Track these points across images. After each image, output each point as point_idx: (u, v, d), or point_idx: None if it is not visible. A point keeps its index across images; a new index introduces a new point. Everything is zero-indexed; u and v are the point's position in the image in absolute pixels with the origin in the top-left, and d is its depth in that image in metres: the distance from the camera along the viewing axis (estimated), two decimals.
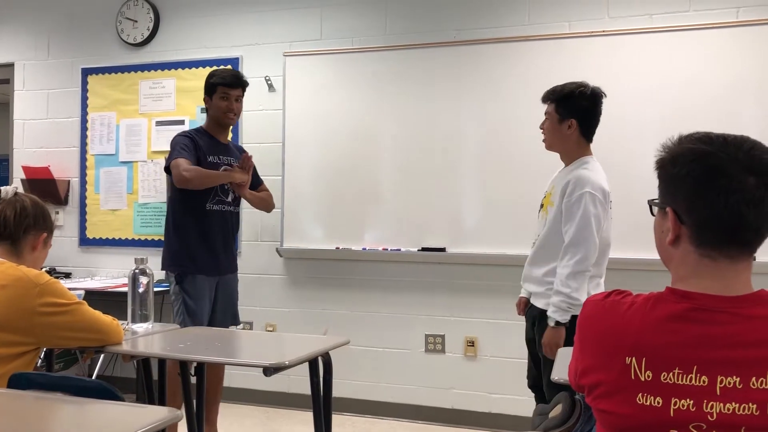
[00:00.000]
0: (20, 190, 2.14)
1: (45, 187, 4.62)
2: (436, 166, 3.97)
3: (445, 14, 4.02)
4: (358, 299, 4.17)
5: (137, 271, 2.45)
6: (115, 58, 4.68)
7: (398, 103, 4.03)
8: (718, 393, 1.07)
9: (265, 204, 3.57)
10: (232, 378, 4.26)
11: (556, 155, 2.73)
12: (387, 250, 4.03)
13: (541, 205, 2.75)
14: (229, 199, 3.36)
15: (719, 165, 1.11)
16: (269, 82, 4.31)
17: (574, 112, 2.59)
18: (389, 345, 4.11)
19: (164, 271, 3.37)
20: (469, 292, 3.97)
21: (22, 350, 1.91)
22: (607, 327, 1.19)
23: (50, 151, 4.83)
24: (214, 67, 4.39)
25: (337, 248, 4.11)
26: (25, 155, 4.87)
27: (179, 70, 4.51)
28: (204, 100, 3.40)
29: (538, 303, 2.63)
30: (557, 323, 2.49)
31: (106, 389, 1.66)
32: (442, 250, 3.93)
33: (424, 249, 3.97)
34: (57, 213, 4.75)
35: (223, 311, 3.39)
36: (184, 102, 4.51)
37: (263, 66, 4.34)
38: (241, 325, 4.30)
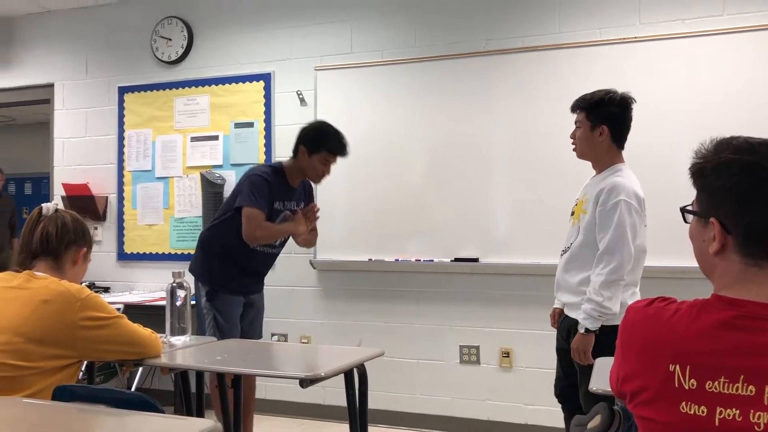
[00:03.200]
0: (60, 206, 2.20)
1: (84, 203, 4.73)
2: (468, 177, 3.96)
3: (474, 24, 4.02)
4: (391, 311, 4.17)
5: (174, 284, 2.49)
6: (150, 76, 4.79)
7: (429, 113, 4.04)
8: (766, 402, 1.05)
9: (310, 245, 3.56)
10: (267, 390, 4.28)
11: (588, 163, 2.71)
12: (420, 261, 4.03)
13: (572, 213, 2.73)
14: (277, 243, 3.35)
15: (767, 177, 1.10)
16: (301, 97, 4.36)
17: (605, 118, 2.58)
18: (424, 356, 4.10)
19: (194, 280, 3.39)
20: (504, 302, 3.94)
21: (65, 363, 1.95)
22: (651, 334, 1.18)
23: (89, 168, 4.94)
24: (248, 83, 4.47)
25: (370, 260, 4.13)
26: (64, 173, 4.99)
27: (213, 86, 4.59)
28: (300, 148, 3.22)
29: (573, 314, 2.60)
30: (587, 330, 2.47)
31: (146, 401, 1.69)
32: (475, 260, 3.92)
33: (457, 259, 3.95)
34: (95, 228, 4.85)
35: (251, 326, 3.41)
36: (217, 118, 4.58)
37: (295, 80, 4.39)
38: (276, 337, 4.34)
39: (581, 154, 2.69)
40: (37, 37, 5.16)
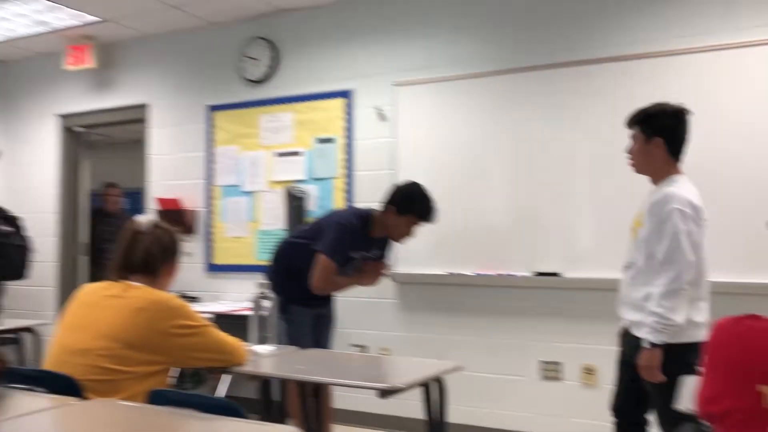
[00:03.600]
0: (150, 220, 2.29)
1: (175, 217, 4.96)
2: (550, 189, 3.91)
3: (556, 35, 3.98)
4: (471, 324, 4.15)
5: (260, 295, 2.58)
6: (237, 94, 4.98)
7: (509, 126, 4.02)
8: None
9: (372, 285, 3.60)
10: (346, 400, 4.34)
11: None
12: (500, 275, 4.00)
13: (632, 228, 2.69)
14: (347, 270, 3.41)
15: None
16: (381, 112, 4.43)
17: (660, 130, 2.58)
18: (504, 371, 4.05)
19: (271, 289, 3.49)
20: (587, 317, 3.85)
21: (157, 369, 2.06)
22: (738, 353, 1.14)
23: (180, 184, 5.18)
24: (329, 100, 4.58)
25: (450, 273, 4.13)
26: (158, 188, 5.25)
27: (296, 104, 4.73)
28: (389, 207, 3.28)
29: (639, 332, 2.50)
30: (652, 345, 2.40)
31: (233, 407, 1.76)
32: (557, 275, 3.85)
33: (538, 274, 3.90)
34: (186, 241, 5.07)
35: (322, 338, 3.48)
36: (301, 134, 4.72)
37: (375, 96, 4.46)
38: (356, 348, 4.39)
39: (639, 168, 2.67)
40: (134, 60, 5.47)
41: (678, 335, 2.39)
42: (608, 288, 3.73)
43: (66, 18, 4.96)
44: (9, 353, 3.79)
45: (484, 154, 4.08)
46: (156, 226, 2.25)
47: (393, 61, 4.44)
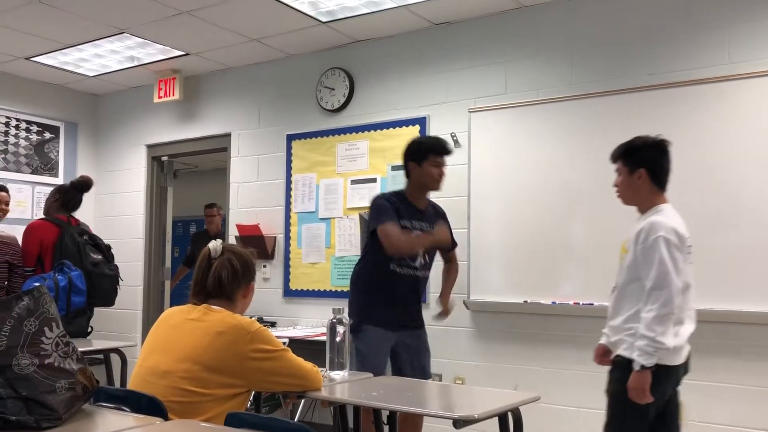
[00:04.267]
0: (221, 244, 2.33)
1: (255, 242, 5.09)
2: (630, 215, 3.79)
3: (634, 59, 3.89)
4: (549, 355, 4.04)
5: (335, 320, 2.60)
6: (315, 123, 5.10)
7: (586, 152, 3.94)
8: None
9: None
10: (424, 429, 4.29)
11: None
12: (579, 304, 3.89)
13: (620, 254, 2.79)
14: (417, 264, 3.38)
15: None
16: (455, 138, 4.43)
17: (642, 162, 2.72)
18: (585, 404, 3.92)
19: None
20: None
21: (236, 392, 2.10)
22: None
23: (260, 210, 5.32)
24: (404, 128, 4.63)
25: (525, 302, 4.05)
26: (239, 214, 5.41)
27: (371, 131, 4.80)
28: (408, 165, 3.36)
29: (617, 350, 2.67)
30: (643, 367, 2.49)
31: (308, 431, 1.77)
32: None
33: None
34: (264, 267, 5.19)
35: (410, 366, 3.42)
36: (376, 161, 4.77)
37: (449, 123, 4.48)
38: (432, 377, 4.35)
39: (625, 199, 2.81)
40: (217, 91, 5.70)
41: (663, 357, 2.51)
42: (731, 320, 3.58)
43: (154, 53, 5.23)
44: (97, 373, 3.96)
45: (561, 180, 4.01)
46: (227, 249, 2.28)
47: (468, 87, 4.44)
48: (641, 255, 2.59)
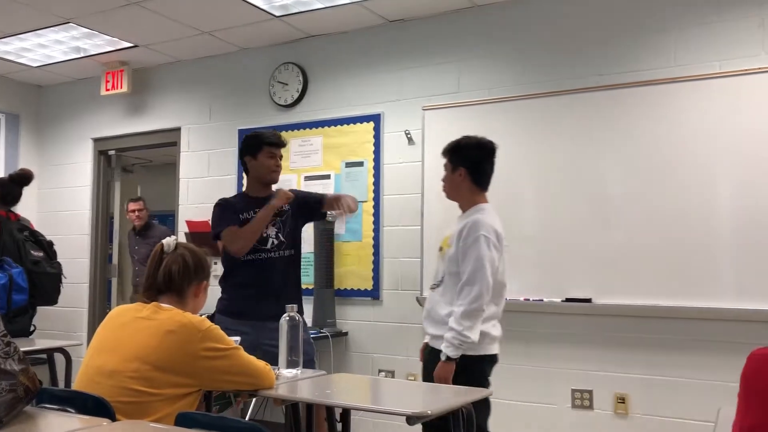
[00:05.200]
0: (178, 240, 2.31)
1: (205, 239, 5.00)
2: (579, 214, 3.87)
3: (584, 61, 3.97)
4: (501, 351, 4.08)
5: (288, 318, 2.58)
6: (268, 119, 5.04)
7: (538, 151, 4.01)
8: None
9: (350, 209, 3.34)
10: (375, 427, 4.30)
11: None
12: (528, 300, 3.95)
13: (440, 248, 2.90)
14: (268, 246, 3.31)
15: None
16: (409, 136, 4.45)
17: (463, 161, 2.83)
18: (533, 399, 3.99)
19: None
20: (619, 345, 3.78)
21: (186, 391, 2.06)
22: None
23: (210, 206, 5.21)
24: (358, 124, 4.62)
25: None
26: (189, 210, 5.31)
27: (325, 128, 4.77)
28: (245, 160, 3.38)
29: (436, 344, 2.75)
30: (448, 358, 2.64)
31: (260, 431, 1.75)
32: (588, 300, 3.79)
33: (568, 300, 3.85)
34: (215, 264, 5.10)
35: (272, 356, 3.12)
36: (330, 158, 4.75)
37: (403, 120, 4.49)
38: (383, 373, 4.36)
39: (448, 195, 2.92)
40: (167, 84, 5.58)
41: (474, 348, 2.67)
42: (641, 315, 3.69)
43: (101, 44, 5.09)
44: (41, 374, 3.84)
45: (513, 179, 4.06)
46: (181, 246, 2.25)
47: (422, 85, 4.46)
48: (462, 252, 2.70)
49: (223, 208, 3.36)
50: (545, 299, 3.91)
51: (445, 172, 2.90)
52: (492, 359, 2.81)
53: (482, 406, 2.65)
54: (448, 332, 2.66)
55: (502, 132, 4.11)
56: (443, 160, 2.91)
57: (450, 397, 2.34)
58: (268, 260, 3.31)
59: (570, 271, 3.86)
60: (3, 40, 4.99)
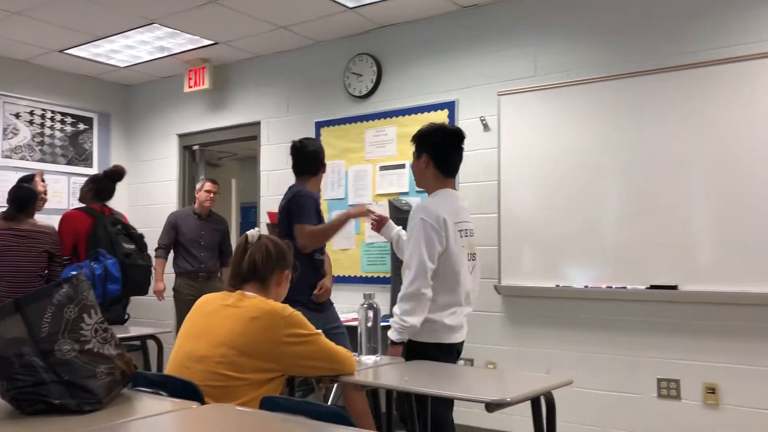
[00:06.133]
0: (263, 232, 2.42)
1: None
2: (665, 198, 3.74)
3: (665, 39, 3.82)
4: (581, 339, 4.02)
5: (366, 305, 2.62)
6: (343, 110, 5.11)
7: (619, 134, 3.89)
8: None
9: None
10: (455, 414, 4.30)
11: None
12: (611, 288, 3.86)
13: None
14: (324, 248, 3.69)
15: None
16: (484, 122, 4.40)
17: (427, 147, 2.82)
18: (617, 388, 3.89)
19: None
20: (707, 333, 3.64)
21: (270, 376, 2.13)
22: None
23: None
24: (432, 112, 4.61)
25: (557, 286, 4.02)
26: (269, 202, 5.45)
27: (399, 117, 4.79)
28: (320, 169, 3.73)
29: None
30: (392, 342, 2.66)
31: (341, 416, 1.79)
32: (674, 287, 3.67)
33: (652, 287, 3.73)
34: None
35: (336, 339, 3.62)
36: (404, 147, 4.75)
37: (478, 107, 4.45)
38: (462, 361, 4.36)
39: (416, 182, 2.94)
40: (246, 80, 5.73)
41: (420, 335, 2.66)
42: (729, 302, 3.54)
43: (183, 43, 5.28)
44: (135, 359, 4.05)
45: (593, 163, 3.96)
46: (263, 237, 2.34)
47: (497, 70, 4.40)
48: (407, 235, 2.77)
49: (313, 202, 3.53)
50: (628, 287, 3.80)
51: (413, 160, 2.91)
52: (445, 348, 2.75)
53: (443, 399, 2.63)
54: (393, 317, 2.71)
55: (581, 115, 4.03)
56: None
57: (530, 384, 2.32)
58: (320, 261, 3.60)
59: (654, 258, 3.74)
60: (93, 43, 5.25)
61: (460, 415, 4.29)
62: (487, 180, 4.35)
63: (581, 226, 3.97)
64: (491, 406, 2.02)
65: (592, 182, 3.96)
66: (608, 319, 3.92)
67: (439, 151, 2.82)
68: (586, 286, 3.93)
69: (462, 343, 2.84)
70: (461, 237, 2.76)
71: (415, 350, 2.70)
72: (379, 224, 3.21)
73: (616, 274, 3.84)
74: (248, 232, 2.36)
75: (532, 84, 4.22)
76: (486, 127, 4.40)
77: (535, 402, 2.23)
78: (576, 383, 2.55)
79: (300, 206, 3.48)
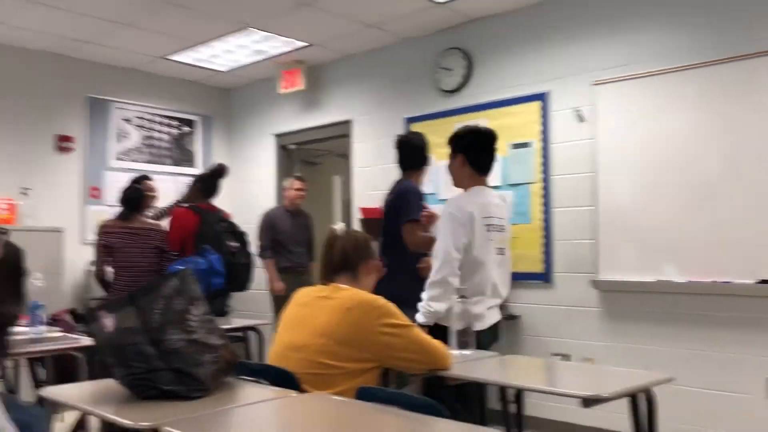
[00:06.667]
0: (343, 227, 2.52)
1: (377, 225, 5.19)
2: (766, 190, 3.53)
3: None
4: (682, 335, 3.86)
5: (459, 300, 2.63)
6: (433, 105, 5.12)
7: (722, 121, 3.70)
8: None
9: None
10: (551, 410, 4.25)
11: None
12: (715, 282, 3.68)
13: None
14: None
15: None
16: (579, 113, 4.30)
17: (463, 148, 2.98)
18: (722, 387, 3.72)
19: None
20: None
21: (366, 366, 2.19)
22: None
23: (381, 194, 5.42)
24: (524, 104, 4.55)
25: (658, 280, 3.88)
26: (360, 198, 5.55)
27: (490, 110, 4.75)
28: (419, 162, 3.79)
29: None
30: (420, 325, 2.68)
31: (435, 407, 1.82)
32: None
33: (763, 281, 3.53)
34: None
35: None
36: None
37: (571, 98, 4.35)
38: (558, 357, 4.29)
39: (454, 181, 3.06)
40: (338, 79, 5.85)
41: (446, 320, 2.73)
42: None
43: (278, 45, 5.45)
44: (237, 349, 4.23)
45: (694, 152, 3.79)
46: (348, 230, 2.44)
47: (591, 59, 4.29)
48: (439, 227, 2.95)
49: (419, 197, 3.60)
50: (734, 281, 3.62)
51: (449, 161, 3.06)
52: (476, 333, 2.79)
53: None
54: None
55: (681, 103, 3.87)
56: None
57: (628, 380, 2.27)
58: (419, 258, 3.52)
59: (763, 251, 3.54)
60: (194, 48, 5.51)
61: (556, 410, 4.24)
62: (581, 172, 4.25)
63: (682, 218, 3.81)
64: (588, 402, 2.00)
65: (694, 172, 3.79)
66: (712, 315, 3.75)
67: (474, 151, 2.98)
68: (689, 281, 3.77)
69: (484, 332, 2.87)
70: (488, 231, 2.88)
71: (440, 334, 2.70)
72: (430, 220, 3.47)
73: (721, 267, 3.67)
74: (335, 227, 2.45)
75: (629, 72, 4.08)
76: (580, 118, 4.30)
77: (633, 399, 2.18)
78: (677, 381, 2.47)
79: (407, 203, 3.54)
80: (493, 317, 2.94)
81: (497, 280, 2.94)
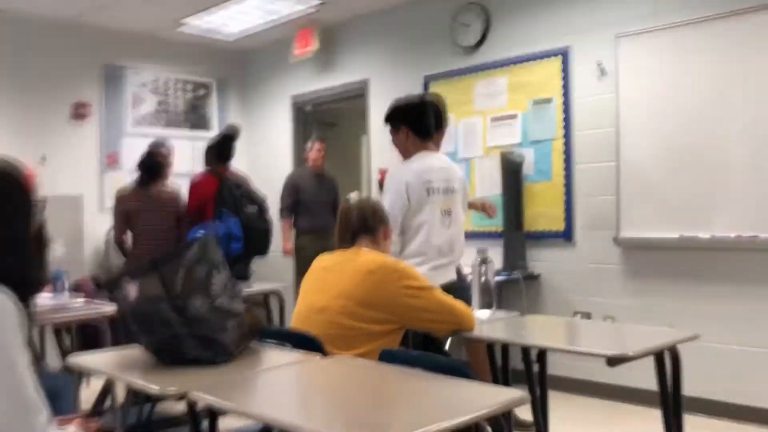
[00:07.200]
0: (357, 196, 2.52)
1: None
2: None
3: None
4: (707, 292, 3.82)
5: (480, 260, 2.61)
6: (451, 63, 5.03)
7: (749, 75, 3.60)
8: None
9: None
10: (573, 369, 4.26)
11: None
12: (741, 237, 3.63)
13: None
14: None
15: None
16: (601, 67, 4.20)
17: (404, 120, 3.07)
18: (749, 343, 3.69)
19: None
20: None
21: (389, 328, 2.20)
22: None
23: (396, 155, 5.37)
24: (545, 60, 4.45)
25: (681, 236, 3.83)
26: (379, 160, 5.50)
27: (510, 66, 4.66)
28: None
29: None
30: None
31: (458, 368, 1.82)
32: None
33: None
34: None
35: None
36: (516, 97, 4.64)
37: (593, 52, 4.24)
38: (579, 315, 4.28)
39: (401, 155, 3.12)
40: (353, 39, 5.76)
41: None
42: None
43: (292, 4, 5.35)
44: (259, 312, 4.28)
45: (719, 106, 3.70)
46: (362, 197, 2.50)
47: (613, 11, 4.16)
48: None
49: None
50: (761, 235, 3.56)
51: (392, 137, 3.12)
52: None
53: None
54: None
55: (705, 56, 3.76)
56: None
57: (653, 338, 2.25)
58: None
59: None
60: (207, 10, 5.43)
61: (580, 369, 4.24)
62: (604, 128, 4.17)
63: (706, 173, 3.74)
64: (613, 361, 1.98)
65: (719, 126, 3.70)
66: (737, 271, 3.70)
67: (415, 121, 3.05)
68: (713, 236, 3.72)
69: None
70: (428, 195, 2.94)
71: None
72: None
73: (746, 221, 3.60)
74: (350, 195, 2.51)
75: (653, 24, 3.96)
76: (603, 72, 4.20)
77: (659, 356, 2.16)
78: (703, 339, 2.45)
79: None
80: (442, 277, 2.91)
81: (442, 241, 2.98)
